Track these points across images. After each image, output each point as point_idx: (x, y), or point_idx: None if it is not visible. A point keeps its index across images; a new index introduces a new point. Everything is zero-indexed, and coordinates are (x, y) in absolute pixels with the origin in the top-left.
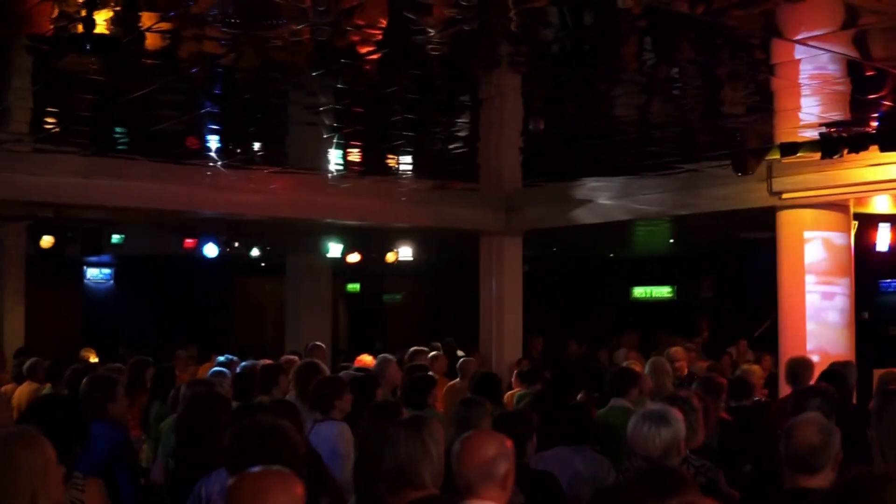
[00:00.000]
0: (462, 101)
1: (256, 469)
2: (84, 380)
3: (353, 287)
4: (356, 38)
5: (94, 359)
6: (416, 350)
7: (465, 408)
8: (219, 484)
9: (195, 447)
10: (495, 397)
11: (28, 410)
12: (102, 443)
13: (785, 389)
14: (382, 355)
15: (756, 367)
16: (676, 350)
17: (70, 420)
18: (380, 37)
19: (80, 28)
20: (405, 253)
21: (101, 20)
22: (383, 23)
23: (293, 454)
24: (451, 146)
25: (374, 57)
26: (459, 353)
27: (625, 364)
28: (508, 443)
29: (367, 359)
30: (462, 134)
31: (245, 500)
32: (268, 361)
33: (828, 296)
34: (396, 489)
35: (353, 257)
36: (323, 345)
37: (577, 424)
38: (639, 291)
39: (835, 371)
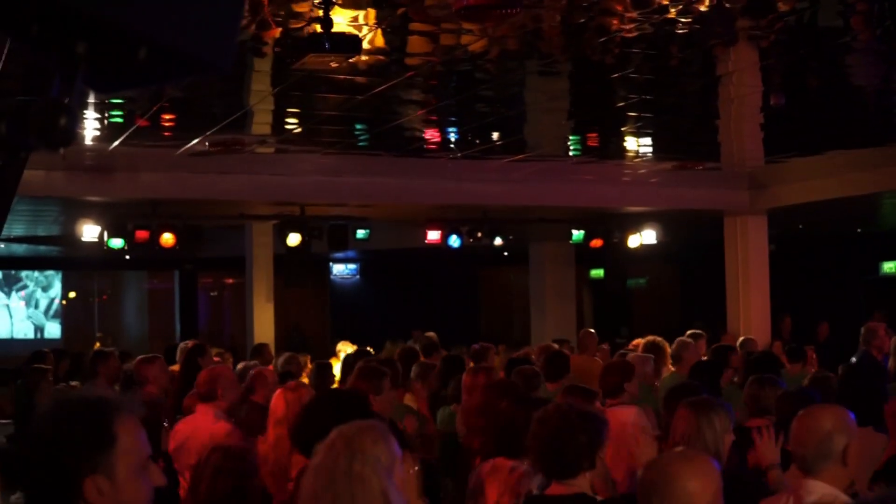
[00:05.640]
0: (700, 80)
1: (677, 451)
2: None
3: (597, 273)
4: (604, 22)
5: (350, 349)
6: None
7: (759, 386)
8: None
9: None
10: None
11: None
12: None
13: None
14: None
15: None
16: None
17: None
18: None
19: (318, 28)
20: (649, 236)
21: (339, 19)
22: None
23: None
24: (690, 126)
25: (618, 39)
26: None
27: None
28: (848, 415)
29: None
30: (701, 113)
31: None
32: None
33: None
34: None
35: (596, 243)
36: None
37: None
38: (889, 266)
39: None
